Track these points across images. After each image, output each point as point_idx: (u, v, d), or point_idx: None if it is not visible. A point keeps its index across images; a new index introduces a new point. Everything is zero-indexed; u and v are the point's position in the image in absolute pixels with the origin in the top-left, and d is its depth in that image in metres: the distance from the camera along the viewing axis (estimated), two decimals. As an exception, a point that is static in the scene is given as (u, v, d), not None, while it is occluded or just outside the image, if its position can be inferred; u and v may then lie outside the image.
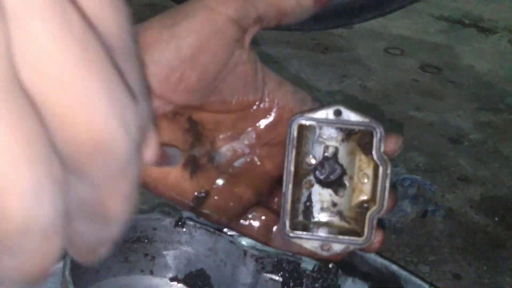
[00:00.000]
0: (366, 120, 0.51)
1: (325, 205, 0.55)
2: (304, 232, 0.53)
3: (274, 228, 0.54)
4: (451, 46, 1.79)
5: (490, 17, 1.98)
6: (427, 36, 1.83)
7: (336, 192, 0.55)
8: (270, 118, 0.52)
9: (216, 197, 0.51)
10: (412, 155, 1.27)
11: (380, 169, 0.52)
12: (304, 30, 1.58)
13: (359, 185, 0.55)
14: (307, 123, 0.51)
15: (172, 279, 0.72)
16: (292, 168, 0.51)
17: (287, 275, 0.71)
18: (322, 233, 0.53)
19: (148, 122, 0.25)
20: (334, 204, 0.55)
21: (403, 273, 0.77)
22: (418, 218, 1.10)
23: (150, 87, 0.27)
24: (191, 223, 0.69)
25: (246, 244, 0.71)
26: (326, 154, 0.55)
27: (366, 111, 1.50)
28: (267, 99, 0.51)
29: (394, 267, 0.77)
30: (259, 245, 0.76)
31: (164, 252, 0.70)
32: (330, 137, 0.54)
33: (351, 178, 0.55)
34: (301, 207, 0.56)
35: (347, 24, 1.61)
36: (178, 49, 0.45)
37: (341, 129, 0.54)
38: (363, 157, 0.55)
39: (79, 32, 0.20)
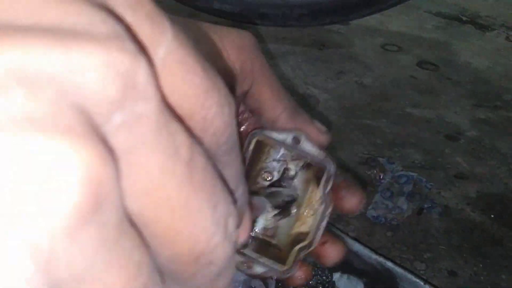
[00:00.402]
0: (322, 155, 0.50)
1: (266, 223, 0.55)
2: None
3: None
4: (448, 43, 1.79)
5: (488, 14, 1.97)
6: (425, 33, 1.83)
7: (280, 214, 0.54)
8: None
9: None
10: (408, 152, 1.27)
11: (320, 208, 0.51)
12: (301, 26, 1.58)
13: (303, 216, 0.54)
14: (264, 140, 0.50)
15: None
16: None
17: (281, 272, 0.70)
18: (251, 250, 0.52)
19: (244, 206, 0.26)
20: (276, 227, 0.55)
21: (399, 270, 0.77)
22: (414, 215, 1.10)
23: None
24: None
25: (240, 241, 0.71)
26: (284, 175, 0.54)
27: (363, 108, 1.50)
28: None
29: (389, 264, 0.77)
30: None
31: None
32: (292, 160, 0.54)
33: (299, 206, 0.55)
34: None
35: (344, 20, 1.61)
36: None
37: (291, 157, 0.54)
38: (316, 190, 0.54)
39: (186, 154, 0.20)
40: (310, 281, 0.77)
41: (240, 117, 0.51)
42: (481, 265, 1.01)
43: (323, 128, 0.51)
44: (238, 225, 0.23)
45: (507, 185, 1.21)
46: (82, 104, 0.18)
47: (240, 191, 0.25)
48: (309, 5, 1.48)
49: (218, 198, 0.22)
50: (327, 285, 0.77)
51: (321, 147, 0.50)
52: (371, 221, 1.08)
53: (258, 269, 0.51)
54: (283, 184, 0.54)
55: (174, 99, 0.21)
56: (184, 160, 0.20)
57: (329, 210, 0.52)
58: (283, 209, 0.54)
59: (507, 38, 1.86)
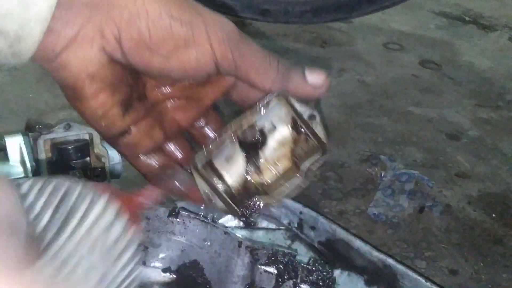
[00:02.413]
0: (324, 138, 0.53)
1: (236, 165, 0.57)
2: (207, 173, 0.55)
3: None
4: (451, 43, 1.79)
5: (491, 14, 1.98)
6: (427, 32, 1.83)
7: (247, 161, 0.56)
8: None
9: (134, 134, 0.54)
10: (410, 150, 1.27)
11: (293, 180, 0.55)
12: (303, 23, 1.58)
13: (266, 169, 0.57)
14: (284, 104, 0.52)
15: (164, 270, 0.71)
16: (243, 123, 0.53)
17: (282, 267, 0.70)
18: (219, 185, 0.55)
19: None
20: (242, 170, 0.57)
21: (400, 267, 0.76)
22: (415, 213, 1.10)
23: None
24: (185, 213, 0.69)
25: (241, 236, 0.71)
26: (264, 129, 0.56)
27: (364, 105, 1.50)
28: None
29: (390, 261, 0.76)
30: (254, 236, 0.75)
31: (157, 243, 0.69)
32: (281, 120, 0.56)
33: (265, 160, 0.57)
34: (220, 154, 0.57)
35: (346, 18, 1.61)
36: None
37: (295, 124, 0.55)
38: (287, 157, 0.56)
39: None
40: (310, 277, 0.77)
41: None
42: (481, 264, 1.01)
43: (319, 80, 0.52)
44: None
45: (508, 185, 1.22)
46: None
47: None
48: (311, 2, 1.48)
49: None
50: (327, 281, 0.76)
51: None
52: (372, 218, 1.08)
53: (219, 204, 0.56)
54: (259, 133, 0.56)
55: None
56: None
57: (298, 182, 0.54)
58: (252, 156, 0.56)
59: (510, 38, 1.86)
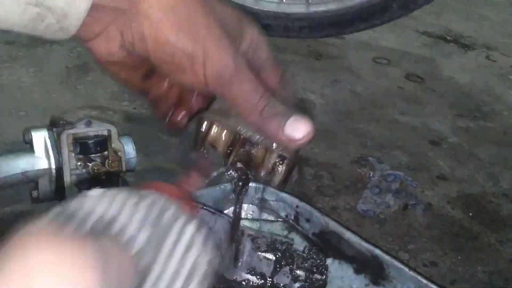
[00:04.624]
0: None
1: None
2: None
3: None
4: (433, 59, 1.79)
5: (470, 35, 1.98)
6: (412, 49, 1.83)
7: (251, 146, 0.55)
8: None
9: (154, 93, 0.55)
10: (396, 154, 1.27)
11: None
12: (301, 37, 1.58)
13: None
14: None
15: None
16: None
17: (279, 254, 0.70)
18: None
19: None
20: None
21: (386, 257, 0.76)
22: (399, 210, 1.10)
23: None
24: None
25: (243, 225, 0.71)
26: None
27: (355, 113, 1.49)
28: None
29: (377, 252, 0.76)
30: (255, 226, 0.75)
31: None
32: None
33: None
34: None
35: (339, 34, 1.61)
36: None
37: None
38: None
39: None
40: (305, 264, 0.77)
41: None
42: (459, 258, 1.01)
43: (298, 133, 0.50)
44: None
45: (484, 187, 1.21)
46: None
47: None
48: (309, 18, 1.48)
49: None
50: (320, 268, 0.76)
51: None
52: (361, 214, 1.08)
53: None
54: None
55: None
56: None
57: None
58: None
59: (486, 57, 1.86)
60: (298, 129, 0.49)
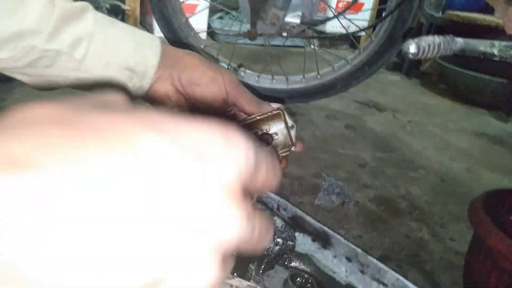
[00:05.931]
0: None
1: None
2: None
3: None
4: (361, 117, 1.81)
5: (383, 102, 2.00)
6: (349, 110, 1.85)
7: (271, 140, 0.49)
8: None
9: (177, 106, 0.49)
10: (338, 171, 1.28)
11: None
12: (279, 102, 1.59)
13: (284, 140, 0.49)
14: (283, 115, 0.48)
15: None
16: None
17: (267, 229, 0.70)
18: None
19: None
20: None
21: (330, 232, 0.76)
22: (340, 205, 1.10)
23: None
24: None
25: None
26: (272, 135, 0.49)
27: (315, 147, 1.49)
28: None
29: (325, 228, 0.76)
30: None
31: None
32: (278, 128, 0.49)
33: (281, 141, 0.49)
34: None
35: (306, 101, 1.63)
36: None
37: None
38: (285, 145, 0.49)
39: None
40: (282, 235, 0.74)
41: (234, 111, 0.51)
42: (375, 233, 1.01)
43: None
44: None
45: (390, 192, 1.22)
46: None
47: None
48: (288, 92, 1.51)
49: None
50: (291, 237, 0.75)
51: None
52: (317, 206, 1.08)
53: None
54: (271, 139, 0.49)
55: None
56: None
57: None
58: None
59: (393, 115, 1.88)
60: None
